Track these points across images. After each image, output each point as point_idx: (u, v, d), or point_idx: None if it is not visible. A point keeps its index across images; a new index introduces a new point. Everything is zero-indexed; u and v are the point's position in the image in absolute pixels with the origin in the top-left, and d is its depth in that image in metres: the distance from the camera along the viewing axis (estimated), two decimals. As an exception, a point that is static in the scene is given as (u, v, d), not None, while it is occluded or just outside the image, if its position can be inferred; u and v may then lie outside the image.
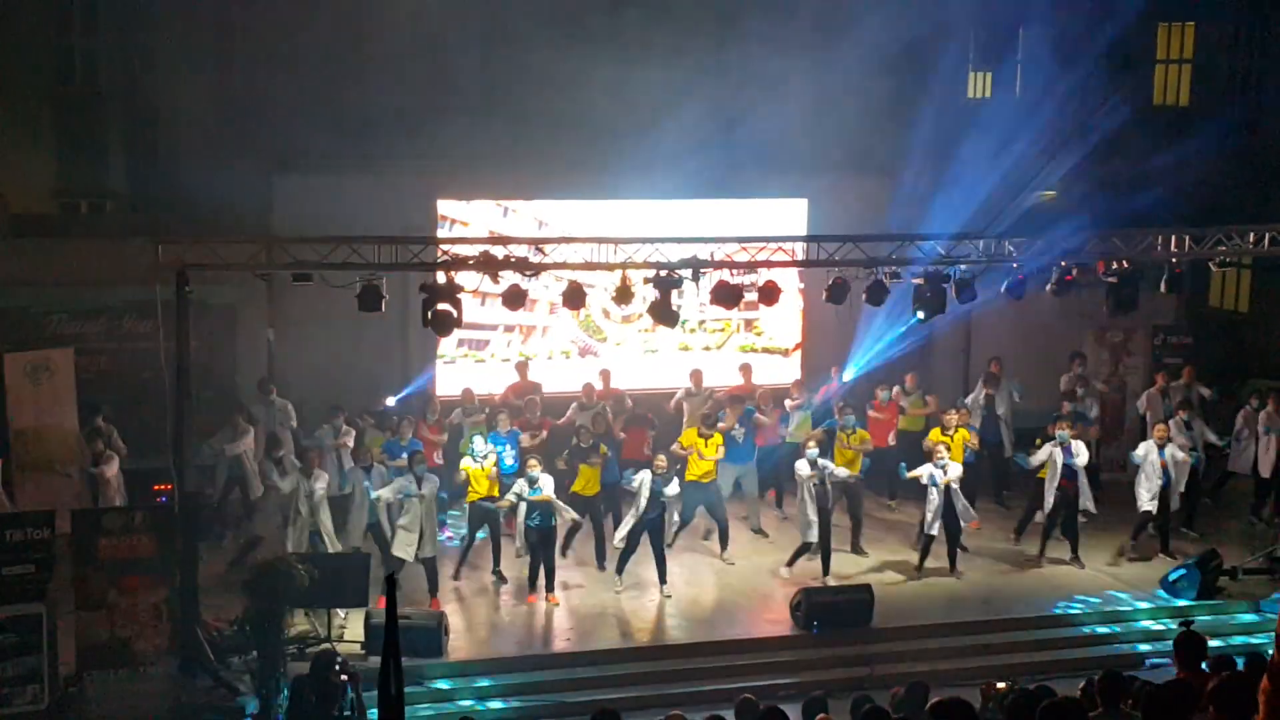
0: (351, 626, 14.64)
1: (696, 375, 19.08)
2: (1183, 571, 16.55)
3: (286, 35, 21.63)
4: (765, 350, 20.74)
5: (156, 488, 14.53)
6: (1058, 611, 16.14)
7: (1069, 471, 17.05)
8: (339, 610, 14.73)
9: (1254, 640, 14.91)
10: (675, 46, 20.85)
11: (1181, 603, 16.13)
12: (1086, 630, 15.91)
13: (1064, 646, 15.49)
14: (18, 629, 12.81)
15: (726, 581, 16.85)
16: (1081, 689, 9.47)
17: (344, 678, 12.89)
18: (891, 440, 18.88)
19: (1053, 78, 24.78)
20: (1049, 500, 17.25)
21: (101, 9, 22.58)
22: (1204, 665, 9.09)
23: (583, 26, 20.76)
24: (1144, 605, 16.34)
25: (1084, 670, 12.18)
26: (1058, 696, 8.50)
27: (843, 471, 16.67)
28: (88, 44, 22.88)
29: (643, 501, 15.97)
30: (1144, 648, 15.29)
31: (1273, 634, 6.07)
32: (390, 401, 17.98)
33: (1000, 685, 10.39)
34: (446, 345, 18.89)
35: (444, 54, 20.68)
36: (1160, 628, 15.75)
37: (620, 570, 16.38)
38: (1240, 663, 9.83)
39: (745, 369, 19.71)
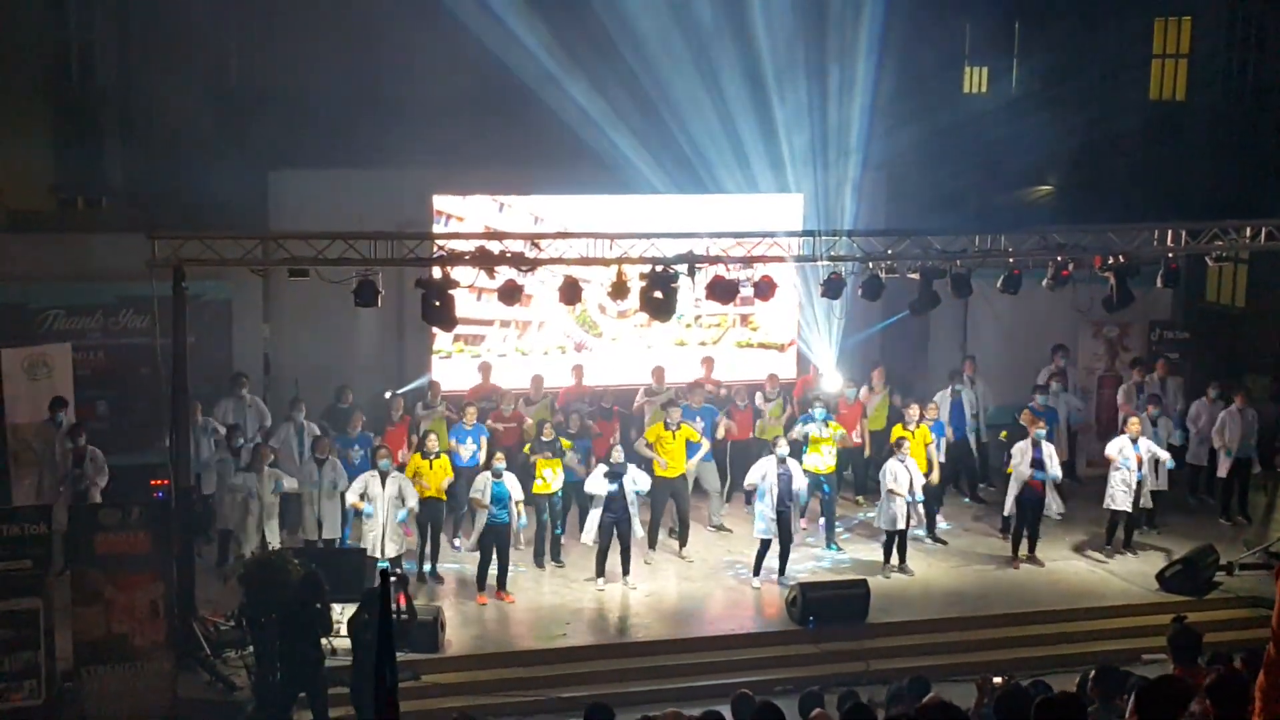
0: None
1: (658, 372, 19.02)
2: (1179, 567, 16.57)
3: (282, 31, 21.65)
4: (761, 345, 20.69)
5: (153, 483, 14.50)
6: (1053, 607, 16.14)
7: (1039, 471, 16.90)
8: (335, 605, 14.69)
9: (1250, 635, 14.92)
10: (671, 42, 20.86)
11: (1177, 598, 16.12)
12: (1082, 625, 15.90)
13: (1059, 642, 15.47)
14: (14, 624, 12.81)
15: (721, 577, 16.83)
16: (1077, 684, 9.47)
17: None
18: (857, 438, 18.81)
19: (1049, 73, 24.84)
20: (1010, 498, 17.16)
21: (98, 5, 22.58)
22: (1199, 660, 9.11)
23: (578, 22, 20.75)
24: (1139, 600, 16.35)
25: (1080, 665, 12.17)
26: (1053, 692, 8.51)
27: (802, 478, 16.47)
28: (84, 40, 22.89)
29: (601, 498, 15.95)
30: (1139, 643, 15.27)
31: (1269, 629, 6.06)
32: (389, 395, 17.98)
33: (996, 680, 10.39)
34: (443, 340, 18.88)
35: (440, 49, 20.67)
36: (1156, 623, 15.73)
37: (600, 570, 16.27)
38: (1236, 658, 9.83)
39: (707, 362, 19.65)
